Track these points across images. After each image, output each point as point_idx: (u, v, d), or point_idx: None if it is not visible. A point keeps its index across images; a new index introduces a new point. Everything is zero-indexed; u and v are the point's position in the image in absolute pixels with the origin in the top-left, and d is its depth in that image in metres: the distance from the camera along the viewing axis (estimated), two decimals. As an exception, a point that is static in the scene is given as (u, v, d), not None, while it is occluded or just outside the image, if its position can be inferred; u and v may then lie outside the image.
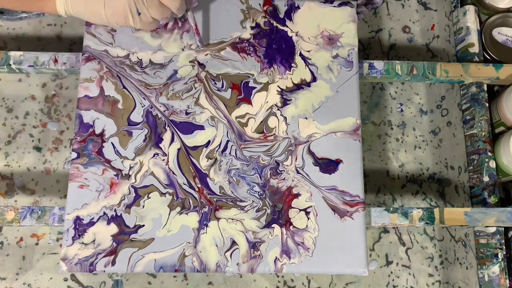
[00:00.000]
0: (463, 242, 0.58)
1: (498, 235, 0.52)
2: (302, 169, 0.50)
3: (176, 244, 0.47)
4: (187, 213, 0.48)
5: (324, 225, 0.49)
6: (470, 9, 0.60)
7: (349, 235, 0.48)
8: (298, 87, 0.52)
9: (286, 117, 0.51)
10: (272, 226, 0.48)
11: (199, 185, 0.49)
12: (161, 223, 0.48)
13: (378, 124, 0.63)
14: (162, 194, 0.48)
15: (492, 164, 0.55)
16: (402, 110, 0.64)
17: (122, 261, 0.46)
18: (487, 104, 0.57)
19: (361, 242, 0.48)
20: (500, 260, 0.51)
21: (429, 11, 0.67)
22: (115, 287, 0.56)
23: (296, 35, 0.54)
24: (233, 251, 0.47)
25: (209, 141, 0.50)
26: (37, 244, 0.56)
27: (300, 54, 0.53)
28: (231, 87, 0.52)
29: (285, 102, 0.52)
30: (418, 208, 0.51)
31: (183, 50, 0.52)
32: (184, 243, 0.47)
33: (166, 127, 0.50)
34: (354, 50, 0.54)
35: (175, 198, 0.48)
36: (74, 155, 0.49)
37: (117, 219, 0.47)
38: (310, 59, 0.53)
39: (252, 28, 0.54)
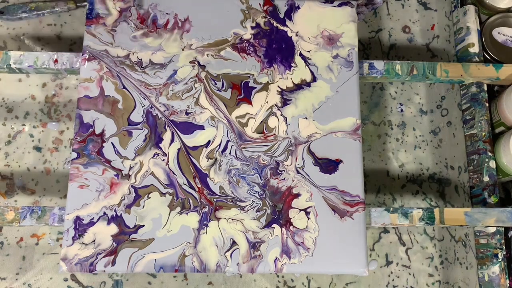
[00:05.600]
0: (463, 242, 0.58)
1: (498, 235, 0.52)
2: (302, 169, 0.50)
3: (176, 244, 0.47)
4: (187, 213, 0.48)
5: (324, 225, 0.49)
6: (470, 9, 0.60)
7: (349, 235, 0.48)
8: (298, 87, 0.52)
9: (286, 117, 0.51)
10: (272, 226, 0.48)
11: (199, 185, 0.49)
12: (161, 223, 0.48)
13: (378, 124, 0.63)
14: (162, 194, 0.48)
15: (492, 164, 0.55)
16: (402, 110, 0.64)
17: (122, 261, 0.46)
18: (487, 104, 0.57)
19: (361, 242, 0.48)
20: (500, 260, 0.51)
21: (429, 11, 0.67)
22: (115, 287, 0.56)
23: (296, 35, 0.54)
24: (233, 251, 0.47)
25: (209, 141, 0.50)
26: (37, 244, 0.56)
27: (300, 54, 0.53)
28: (231, 87, 0.52)
29: (285, 102, 0.52)
30: (418, 208, 0.51)
31: (183, 50, 0.52)
32: (184, 243, 0.47)
33: (166, 127, 0.50)
34: (354, 50, 0.54)
35: (175, 198, 0.48)
36: (74, 155, 0.49)
37: (117, 219, 0.47)
38: (310, 59, 0.53)
39: (252, 28, 0.54)
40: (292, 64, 0.53)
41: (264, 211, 0.49)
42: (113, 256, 0.46)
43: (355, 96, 0.52)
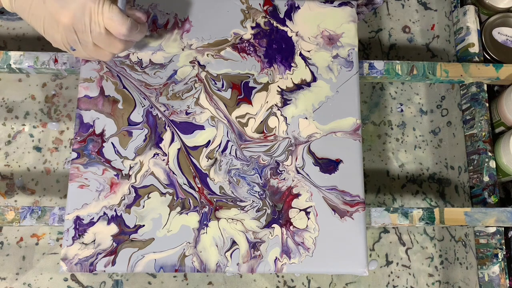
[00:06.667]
0: (463, 242, 0.58)
1: (498, 235, 0.52)
2: (302, 169, 0.50)
3: (176, 244, 0.47)
4: (187, 213, 0.48)
5: (324, 225, 0.49)
6: (470, 9, 0.60)
7: (349, 235, 0.48)
8: (298, 87, 0.52)
9: (286, 117, 0.51)
10: (272, 226, 0.48)
11: (199, 185, 0.49)
12: (161, 223, 0.48)
13: (378, 124, 0.63)
14: (162, 194, 0.48)
15: (492, 164, 0.55)
16: (402, 110, 0.64)
17: (122, 261, 0.46)
18: (487, 104, 0.57)
19: (361, 242, 0.48)
20: (500, 260, 0.51)
21: (429, 11, 0.67)
22: (115, 287, 0.56)
23: (296, 35, 0.54)
24: (233, 251, 0.47)
25: (209, 141, 0.50)
26: (37, 244, 0.56)
27: (300, 54, 0.53)
28: (231, 87, 0.52)
29: (285, 102, 0.52)
30: (418, 208, 0.51)
31: (183, 50, 0.52)
32: (184, 243, 0.47)
33: (166, 127, 0.50)
34: (354, 50, 0.54)
35: (175, 198, 0.48)
36: (74, 155, 0.49)
37: (117, 219, 0.47)
38: (310, 59, 0.53)
39: (252, 28, 0.54)
40: (292, 64, 0.53)
41: (264, 211, 0.49)
42: (113, 256, 0.46)
43: (355, 96, 0.52)
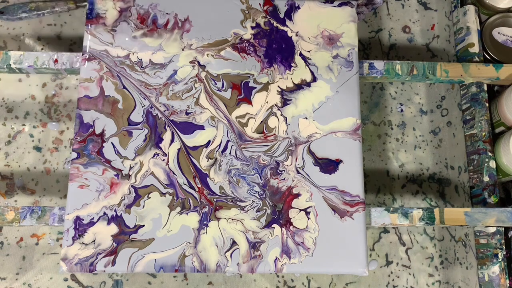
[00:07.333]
0: (463, 242, 0.58)
1: (498, 235, 0.52)
2: (302, 169, 0.50)
3: (176, 244, 0.47)
4: (187, 213, 0.48)
5: (324, 225, 0.49)
6: (470, 9, 0.60)
7: (349, 235, 0.48)
8: (298, 87, 0.52)
9: (286, 117, 0.51)
10: (272, 226, 0.48)
11: (199, 185, 0.49)
12: (161, 223, 0.48)
13: (378, 124, 0.63)
14: (162, 194, 0.48)
15: (492, 164, 0.55)
16: (402, 110, 0.64)
17: (122, 261, 0.46)
18: (487, 104, 0.57)
19: (361, 242, 0.48)
20: (500, 260, 0.51)
21: (429, 11, 0.68)
22: (115, 287, 0.56)
23: (296, 35, 0.54)
24: (233, 251, 0.47)
25: (209, 141, 0.50)
26: (37, 244, 0.57)
27: (300, 54, 0.53)
28: (231, 87, 0.52)
29: (285, 102, 0.52)
30: (418, 208, 0.51)
31: (183, 50, 0.52)
32: (184, 243, 0.47)
33: (166, 127, 0.50)
34: (354, 50, 0.54)
35: (175, 198, 0.48)
36: (74, 155, 0.49)
37: (117, 219, 0.47)
38: (310, 59, 0.53)
39: (252, 28, 0.54)
40: (292, 64, 0.53)
41: (264, 211, 0.49)
42: (113, 256, 0.46)
43: (355, 96, 0.52)
